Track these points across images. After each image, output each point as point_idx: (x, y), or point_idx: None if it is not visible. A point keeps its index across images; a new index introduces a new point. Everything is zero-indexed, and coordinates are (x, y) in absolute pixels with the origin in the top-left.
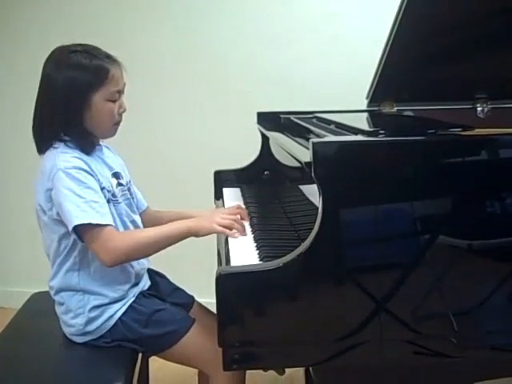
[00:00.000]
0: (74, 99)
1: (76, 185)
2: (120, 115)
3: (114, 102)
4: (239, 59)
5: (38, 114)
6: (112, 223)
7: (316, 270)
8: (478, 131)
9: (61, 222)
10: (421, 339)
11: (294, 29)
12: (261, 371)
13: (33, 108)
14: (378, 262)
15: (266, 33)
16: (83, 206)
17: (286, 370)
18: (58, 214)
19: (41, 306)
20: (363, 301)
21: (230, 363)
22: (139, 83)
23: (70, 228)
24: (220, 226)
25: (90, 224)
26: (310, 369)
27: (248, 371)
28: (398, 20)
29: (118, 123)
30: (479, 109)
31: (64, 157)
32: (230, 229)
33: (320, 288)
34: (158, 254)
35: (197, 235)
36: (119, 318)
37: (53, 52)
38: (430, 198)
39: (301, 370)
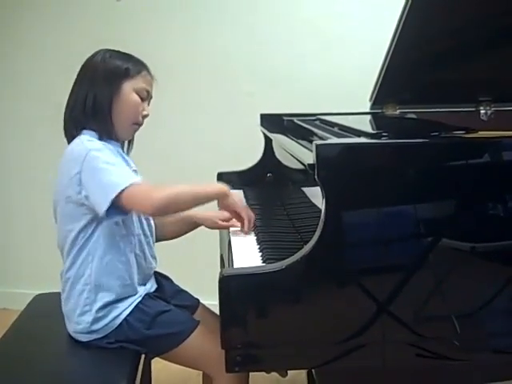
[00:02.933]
0: (107, 83)
1: (109, 160)
2: (143, 118)
3: (141, 99)
4: (243, 61)
5: (72, 103)
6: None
7: (319, 272)
8: (481, 134)
9: (87, 208)
10: (423, 342)
11: (297, 30)
12: (263, 373)
13: (33, 108)
14: (380, 265)
15: (270, 34)
16: (120, 171)
17: (289, 371)
18: (86, 197)
19: (44, 308)
20: (366, 303)
21: (233, 365)
22: None
23: (114, 195)
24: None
25: (131, 185)
26: (313, 371)
27: (251, 373)
28: (402, 22)
29: (138, 124)
30: (482, 111)
31: (92, 142)
32: (249, 221)
33: (323, 290)
34: (162, 256)
35: (227, 197)
36: (125, 318)
37: (95, 53)
38: (433, 200)
39: (303, 372)
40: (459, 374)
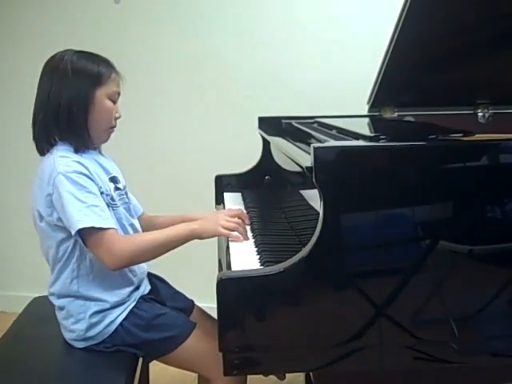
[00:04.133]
0: (80, 93)
1: (77, 189)
2: (115, 120)
3: (113, 102)
4: (240, 63)
5: (40, 115)
6: (114, 226)
7: (317, 275)
8: (478, 137)
9: (60, 227)
10: (421, 345)
11: (295, 33)
12: (261, 376)
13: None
14: (378, 268)
15: (268, 37)
16: (85, 210)
17: (287, 374)
18: (58, 219)
19: (42, 311)
20: (364, 306)
21: (231, 368)
22: (140, 88)
23: (73, 232)
24: (224, 228)
25: (92, 228)
26: (311, 374)
27: (248, 376)
28: (400, 25)
29: (112, 127)
30: (480, 114)
31: (63, 161)
32: (241, 235)
33: (321, 293)
34: (158, 258)
35: (200, 238)
36: (120, 323)
37: (55, 54)
38: (431, 203)
39: (301, 375)
40: (457, 377)
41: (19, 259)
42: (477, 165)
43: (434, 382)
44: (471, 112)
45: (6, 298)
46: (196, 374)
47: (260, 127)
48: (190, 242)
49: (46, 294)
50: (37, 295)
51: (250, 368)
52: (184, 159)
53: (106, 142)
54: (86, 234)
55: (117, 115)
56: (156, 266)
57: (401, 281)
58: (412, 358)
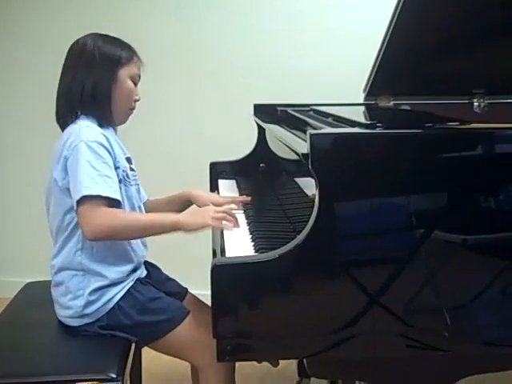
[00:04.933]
0: (106, 74)
1: (94, 158)
2: (135, 102)
3: (134, 84)
4: (238, 51)
5: (66, 92)
6: (119, 199)
7: (312, 262)
8: (474, 126)
9: (70, 193)
10: (413, 333)
11: (293, 21)
12: (252, 363)
13: (27, 99)
14: (373, 255)
15: (265, 25)
16: (97, 178)
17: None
18: (69, 182)
19: (35, 296)
20: (357, 293)
21: (224, 354)
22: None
23: (78, 197)
24: (213, 219)
25: (98, 196)
26: (305, 360)
27: (240, 363)
28: (397, 14)
29: (132, 109)
30: (476, 104)
31: (88, 130)
32: (225, 220)
33: (315, 280)
34: (151, 245)
35: (184, 230)
36: (117, 303)
37: (78, 39)
38: (427, 191)
39: (293, 363)
40: (448, 366)
41: (12, 245)
42: (474, 153)
43: (425, 368)
44: (467, 101)
45: None
46: (188, 363)
47: (255, 114)
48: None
49: (39, 279)
50: (28, 280)
51: (244, 354)
52: (179, 146)
53: (124, 123)
54: (86, 201)
55: (136, 97)
56: (150, 254)
57: (395, 269)
58: (405, 345)
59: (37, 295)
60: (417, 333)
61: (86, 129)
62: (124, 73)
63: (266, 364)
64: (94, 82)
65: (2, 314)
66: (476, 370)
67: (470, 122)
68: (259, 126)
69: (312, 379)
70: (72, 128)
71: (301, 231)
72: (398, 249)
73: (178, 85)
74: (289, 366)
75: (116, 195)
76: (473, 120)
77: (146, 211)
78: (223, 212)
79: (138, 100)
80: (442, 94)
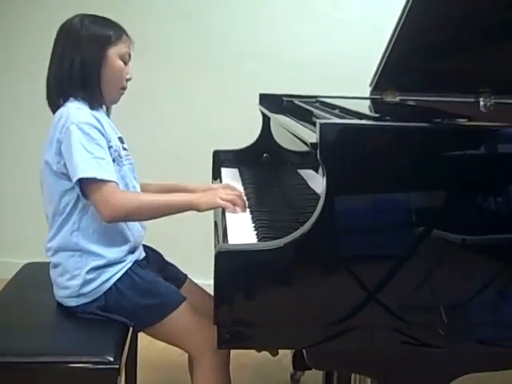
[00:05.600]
0: (94, 53)
1: (86, 140)
2: (126, 81)
3: (124, 63)
4: (244, 40)
5: (55, 73)
6: (116, 181)
7: (316, 253)
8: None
9: (65, 176)
10: (409, 329)
11: (300, 12)
12: (248, 354)
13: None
14: (377, 248)
15: (271, 16)
16: (91, 160)
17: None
18: (64, 166)
19: (33, 276)
20: (360, 285)
21: (224, 342)
22: (140, 62)
23: (75, 180)
24: (222, 200)
25: (94, 178)
26: (304, 351)
27: (235, 353)
28: (407, 9)
29: (123, 88)
30: (482, 103)
31: (78, 112)
32: (233, 204)
33: (318, 271)
34: (151, 232)
35: (198, 209)
36: (114, 283)
37: (66, 20)
38: (434, 186)
39: (288, 355)
40: (442, 363)
41: (9, 225)
42: (486, 151)
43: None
44: (473, 100)
45: None
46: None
47: (261, 104)
48: (187, 217)
49: (36, 260)
50: (26, 261)
51: (243, 342)
52: (182, 133)
53: (116, 102)
54: (87, 184)
55: (128, 76)
56: (153, 240)
57: (399, 263)
58: (400, 341)
59: (35, 276)
60: (413, 329)
61: (75, 110)
62: (113, 52)
63: (261, 355)
64: (82, 62)
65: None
66: (472, 369)
67: (476, 120)
68: (264, 116)
69: (306, 372)
70: (62, 110)
71: (303, 222)
72: (402, 244)
73: (183, 73)
74: (284, 358)
75: (111, 176)
76: (479, 118)
77: None
78: (233, 195)
79: (129, 79)
80: (449, 92)
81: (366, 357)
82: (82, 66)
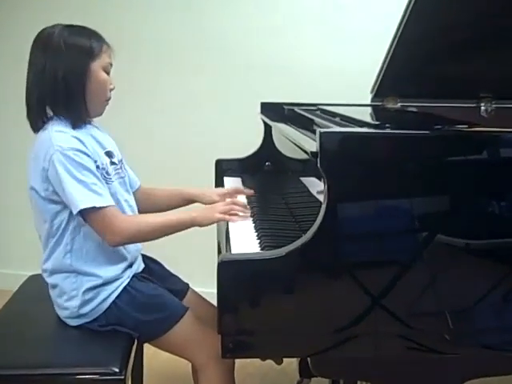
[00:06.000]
0: (77, 67)
1: (74, 168)
2: (110, 92)
3: (107, 73)
4: (245, 48)
5: (36, 91)
6: (113, 203)
7: (318, 261)
8: (485, 129)
9: (54, 200)
10: (414, 335)
11: (300, 20)
12: (253, 363)
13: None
14: (379, 256)
15: (273, 23)
16: (84, 190)
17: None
18: (53, 192)
19: (37, 289)
20: (363, 293)
21: (228, 351)
22: (142, 69)
23: (75, 212)
24: (220, 212)
25: (93, 207)
26: (308, 359)
27: (240, 362)
28: (407, 15)
29: (108, 99)
30: (483, 108)
31: (60, 136)
32: (233, 214)
33: (321, 279)
34: (152, 243)
35: (201, 225)
36: (113, 301)
37: (43, 29)
38: (436, 193)
39: (294, 363)
40: (447, 368)
41: (13, 237)
42: (485, 156)
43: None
44: (474, 105)
45: (1, 276)
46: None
47: (262, 112)
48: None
49: (40, 272)
50: (31, 273)
51: (248, 352)
52: (185, 142)
53: (101, 115)
54: (87, 213)
55: (111, 86)
56: (153, 250)
57: (402, 270)
58: (405, 347)
59: (40, 288)
60: (418, 335)
61: (57, 135)
62: (97, 65)
63: (266, 364)
64: (64, 75)
65: (5, 307)
66: (478, 373)
67: (477, 126)
68: (266, 125)
69: (313, 379)
70: (43, 136)
71: (306, 230)
72: (404, 250)
73: (185, 81)
74: (290, 365)
75: (108, 201)
76: (480, 124)
77: (141, 198)
78: (229, 204)
79: (113, 89)
80: (450, 98)
81: (372, 364)
82: (65, 79)
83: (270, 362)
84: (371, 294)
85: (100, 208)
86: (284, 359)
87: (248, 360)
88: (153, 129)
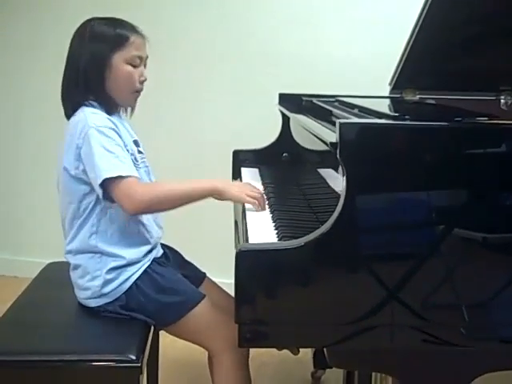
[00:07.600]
0: (96, 58)
1: (106, 141)
2: (141, 84)
3: (134, 66)
4: (264, 40)
5: (65, 78)
6: (137, 175)
7: (336, 252)
8: (505, 121)
9: (84, 181)
10: (431, 327)
11: (319, 11)
12: (269, 352)
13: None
14: (397, 247)
15: (291, 14)
16: (113, 160)
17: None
18: (83, 171)
19: (56, 276)
20: (378, 285)
21: (245, 340)
22: (160, 61)
23: (100, 181)
24: (248, 196)
25: (119, 176)
26: (325, 350)
27: (255, 352)
28: (427, 7)
29: (138, 91)
30: (503, 100)
31: (95, 116)
32: (257, 201)
33: (338, 269)
34: (170, 231)
35: (220, 196)
36: (134, 282)
37: (83, 23)
38: (455, 186)
39: (309, 354)
40: (466, 361)
41: (32, 225)
42: (506, 149)
43: (442, 364)
44: (494, 98)
45: (18, 263)
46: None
47: (280, 103)
48: (206, 217)
49: (59, 259)
50: (49, 261)
51: (264, 341)
52: (202, 133)
53: (132, 106)
54: (110, 183)
55: (142, 78)
56: (170, 241)
57: (418, 262)
58: (421, 340)
59: (58, 276)
60: (434, 327)
61: (92, 115)
62: (118, 58)
63: (281, 353)
64: (85, 69)
65: (23, 294)
66: (494, 367)
67: (497, 118)
68: (284, 116)
69: (327, 370)
70: (78, 116)
71: (324, 221)
72: (422, 242)
73: (203, 73)
74: (305, 355)
75: (133, 172)
76: (500, 116)
77: None
78: (258, 193)
79: (143, 81)
80: (469, 90)
81: (387, 355)
82: (86, 72)
83: (285, 351)
84: (388, 286)
85: (124, 177)
86: (300, 350)
87: (263, 349)
88: (168, 120)
